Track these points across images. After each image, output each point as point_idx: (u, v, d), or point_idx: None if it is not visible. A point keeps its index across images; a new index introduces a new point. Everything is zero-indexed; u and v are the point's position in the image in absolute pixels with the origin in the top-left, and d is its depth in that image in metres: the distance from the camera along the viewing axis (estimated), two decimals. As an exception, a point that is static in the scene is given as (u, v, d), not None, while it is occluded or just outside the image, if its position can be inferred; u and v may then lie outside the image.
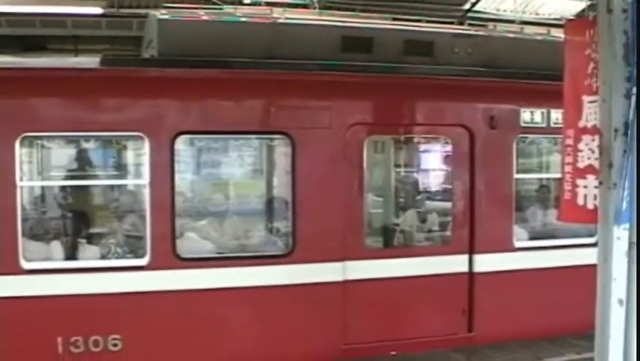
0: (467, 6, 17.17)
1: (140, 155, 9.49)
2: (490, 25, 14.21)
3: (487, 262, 10.14)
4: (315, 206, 9.44)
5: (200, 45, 9.20)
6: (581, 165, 5.67)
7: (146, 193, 8.93)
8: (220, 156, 10.99)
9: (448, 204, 10.65)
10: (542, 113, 10.39)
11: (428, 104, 10.33)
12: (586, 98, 5.59)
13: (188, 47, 9.17)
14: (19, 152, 8.54)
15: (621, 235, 5.11)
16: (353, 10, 15.24)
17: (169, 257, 8.88)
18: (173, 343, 8.85)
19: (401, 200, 11.53)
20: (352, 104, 9.79)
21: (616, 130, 5.10)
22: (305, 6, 14.37)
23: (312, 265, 9.40)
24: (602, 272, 5.24)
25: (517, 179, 10.48)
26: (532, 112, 10.38)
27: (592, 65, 5.52)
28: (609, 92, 5.16)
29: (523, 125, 10.39)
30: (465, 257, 10.15)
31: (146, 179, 8.95)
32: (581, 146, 5.66)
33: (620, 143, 5.09)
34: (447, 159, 10.88)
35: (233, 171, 11.18)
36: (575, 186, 5.74)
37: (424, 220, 11.05)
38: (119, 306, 8.66)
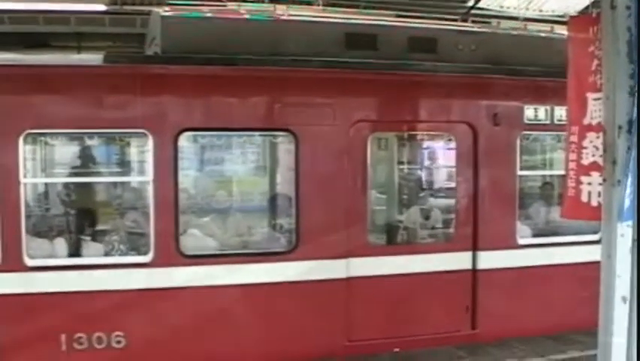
0: (471, 3, 17.14)
1: (143, 152, 9.50)
2: (494, 22, 14.19)
3: (490, 259, 10.14)
4: (319, 203, 9.44)
5: (204, 42, 9.19)
6: (585, 162, 5.67)
7: (150, 190, 8.93)
8: (223, 152, 11.00)
9: (451, 201, 10.66)
10: (546, 110, 10.37)
11: (432, 101, 10.31)
12: (590, 96, 5.59)
13: (192, 44, 9.17)
14: (23, 149, 8.55)
15: (625, 232, 5.10)
16: (357, 7, 15.22)
17: (172, 254, 8.89)
18: (177, 340, 8.86)
19: (405, 197, 11.53)
20: (356, 101, 9.78)
21: (620, 127, 5.09)
22: (309, 3, 14.34)
23: (315, 261, 9.41)
24: (606, 269, 5.23)
25: (520, 176, 10.46)
26: (535, 109, 10.37)
27: (596, 62, 5.52)
28: (613, 89, 5.15)
29: (526, 122, 10.38)
30: (468, 254, 10.14)
31: (149, 176, 8.96)
32: (585, 143, 5.66)
33: (623, 140, 5.08)
34: (450, 156, 10.86)
35: (236, 168, 11.19)
36: (578, 183, 5.74)
37: (427, 217, 11.04)
38: (123, 303, 8.67)
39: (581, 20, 6.15)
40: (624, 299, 5.12)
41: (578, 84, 5.71)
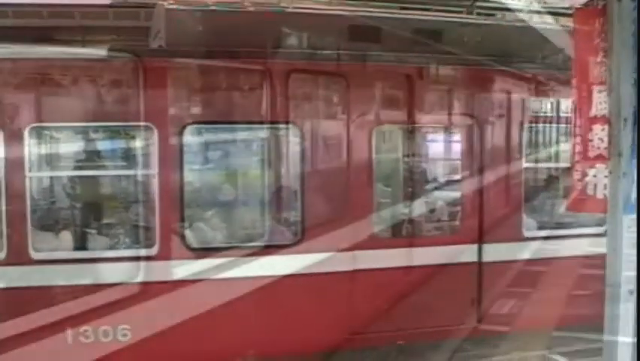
0: (475, -5, 17.08)
1: (149, 145, 9.49)
2: (499, 14, 14.13)
3: (496, 252, 10.13)
4: (323, 196, 9.43)
5: (208, 35, 9.18)
6: (590, 154, 5.65)
7: (155, 184, 8.93)
8: (229, 146, 10.97)
9: (456, 194, 10.63)
10: (551, 102, 10.35)
11: (436, 93, 10.28)
12: (595, 88, 5.57)
13: (196, 37, 9.16)
14: (28, 142, 8.56)
15: (631, 225, 5.09)
16: (361, -1, 15.15)
17: (178, 247, 8.90)
18: (182, 332, 8.86)
19: (410, 190, 11.50)
20: (360, 93, 9.76)
21: (625, 119, 5.08)
22: (313, -5, 14.29)
23: (320, 254, 9.40)
24: (612, 262, 5.22)
25: (526, 168, 10.45)
26: (540, 101, 10.34)
27: (601, 54, 5.50)
28: (618, 81, 5.13)
29: (531, 114, 10.35)
30: (474, 247, 10.13)
31: (154, 169, 8.96)
32: (590, 135, 5.63)
33: (629, 132, 5.07)
34: (455, 148, 10.85)
35: (241, 161, 11.17)
36: (584, 175, 5.72)
37: (432, 210, 11.02)
38: (129, 296, 8.68)
39: (586, 12, 6.11)
40: (630, 292, 5.11)
41: (583, 76, 5.69)
